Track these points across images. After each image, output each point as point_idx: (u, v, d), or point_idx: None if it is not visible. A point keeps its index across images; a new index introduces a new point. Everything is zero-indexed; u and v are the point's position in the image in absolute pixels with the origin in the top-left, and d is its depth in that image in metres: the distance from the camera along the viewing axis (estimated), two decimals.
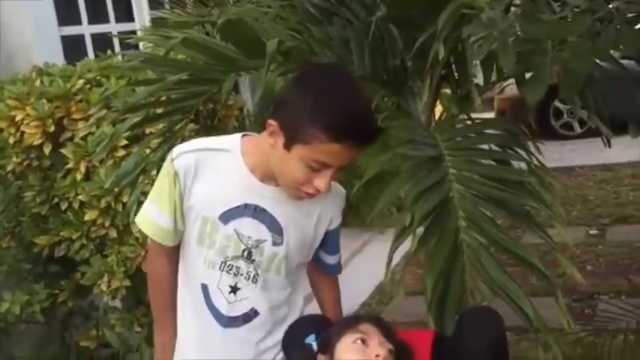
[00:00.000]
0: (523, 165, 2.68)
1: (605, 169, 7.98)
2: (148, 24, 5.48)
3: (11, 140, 3.61)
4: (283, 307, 1.95)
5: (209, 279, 1.87)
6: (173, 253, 1.95)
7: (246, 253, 1.85)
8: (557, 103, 9.40)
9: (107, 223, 3.60)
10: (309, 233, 1.92)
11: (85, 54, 4.93)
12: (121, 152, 3.46)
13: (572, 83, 1.31)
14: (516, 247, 2.55)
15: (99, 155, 3.19)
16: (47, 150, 3.58)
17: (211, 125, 3.97)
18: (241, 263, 1.85)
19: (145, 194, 3.08)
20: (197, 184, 1.84)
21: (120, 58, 3.90)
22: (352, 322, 1.84)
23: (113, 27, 5.33)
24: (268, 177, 1.84)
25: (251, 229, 1.84)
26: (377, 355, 1.73)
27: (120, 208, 3.55)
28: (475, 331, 1.90)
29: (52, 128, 3.55)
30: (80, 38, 5.03)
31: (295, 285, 1.98)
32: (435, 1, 2.50)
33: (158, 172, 2.95)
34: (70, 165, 3.57)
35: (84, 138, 3.58)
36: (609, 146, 3.35)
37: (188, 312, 1.96)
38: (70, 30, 4.91)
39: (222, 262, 1.85)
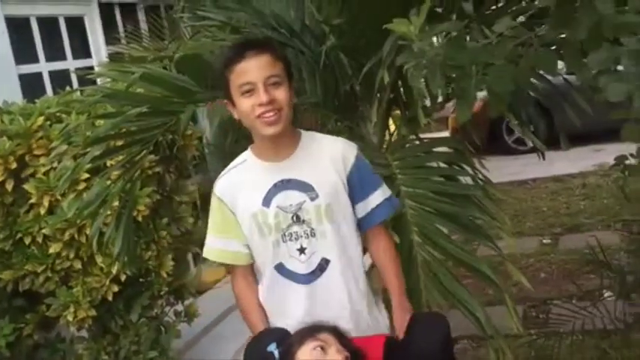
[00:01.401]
0: (469, 180, 2.85)
1: (556, 180, 8.24)
2: (105, 59, 5.55)
3: None
4: (347, 255, 2.19)
5: (280, 257, 2.19)
6: (250, 272, 2.29)
7: (294, 217, 2.16)
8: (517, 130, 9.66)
9: (71, 255, 3.66)
10: (333, 176, 2.17)
11: (44, 91, 4.98)
12: (82, 185, 3.53)
13: (496, 103, 1.47)
14: (468, 258, 2.73)
15: (61, 188, 3.28)
16: (9, 186, 3.62)
17: (170, 155, 4.07)
18: (296, 228, 2.16)
19: (107, 225, 3.20)
20: (236, 197, 2.20)
21: (79, 93, 3.96)
22: (312, 331, 1.98)
23: (70, 63, 5.39)
24: (276, 155, 2.16)
25: (289, 198, 2.15)
26: None
27: (83, 239, 3.61)
28: (423, 333, 2.06)
29: (14, 165, 3.59)
30: (38, 76, 5.08)
31: (351, 236, 2.21)
32: (380, 30, 2.67)
33: (119, 203, 3.08)
34: (33, 200, 3.61)
35: (46, 173, 3.64)
36: (544, 159, 3.57)
37: (270, 297, 2.23)
38: (28, 68, 4.96)
39: (282, 236, 2.16)
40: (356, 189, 2.21)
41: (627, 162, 2.70)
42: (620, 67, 1.21)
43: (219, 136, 6.54)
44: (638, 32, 1.21)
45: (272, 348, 2.02)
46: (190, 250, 4.56)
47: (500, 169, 8.39)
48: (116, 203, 3.16)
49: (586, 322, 3.93)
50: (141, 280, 4.01)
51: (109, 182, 3.07)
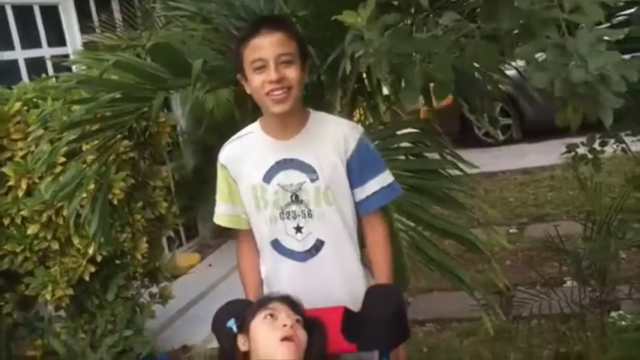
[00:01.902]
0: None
1: (525, 172, 8.39)
2: (80, 48, 5.63)
3: None
4: (343, 237, 2.26)
5: (276, 233, 2.26)
6: (250, 239, 2.35)
7: (294, 197, 2.22)
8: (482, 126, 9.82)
9: (49, 236, 3.78)
10: (333, 158, 2.21)
11: (20, 78, 5.05)
12: (59, 168, 3.64)
13: (440, 90, 1.61)
14: (447, 225, 2.91)
15: (39, 171, 3.39)
16: None
17: (144, 142, 4.18)
18: (294, 207, 2.22)
19: (83, 207, 3.32)
20: (239, 166, 2.27)
21: (54, 80, 4.06)
22: (263, 302, 2.12)
23: (46, 51, 5.45)
24: (282, 133, 2.22)
25: (289, 178, 2.21)
26: (284, 325, 2.00)
27: (61, 221, 3.73)
28: (375, 304, 2.18)
29: None
30: (14, 63, 5.15)
31: (348, 219, 2.27)
32: (343, 22, 2.81)
33: (95, 186, 3.20)
34: (12, 182, 3.73)
35: (23, 157, 3.75)
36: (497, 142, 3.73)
37: (267, 271, 2.33)
38: (5, 55, 5.04)
39: (280, 213, 2.23)
40: (354, 173, 2.24)
41: (578, 150, 2.86)
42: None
43: (193, 125, 6.64)
44: (562, 26, 1.36)
45: (230, 324, 2.14)
46: (164, 234, 4.68)
47: (471, 161, 8.56)
48: (92, 186, 3.28)
49: (546, 307, 4.12)
50: (116, 261, 4.15)
51: (84, 166, 3.19)
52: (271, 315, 2.04)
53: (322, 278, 2.27)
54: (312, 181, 2.20)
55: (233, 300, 2.29)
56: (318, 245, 2.25)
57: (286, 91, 2.10)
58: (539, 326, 4.25)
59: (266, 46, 2.08)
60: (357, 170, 2.23)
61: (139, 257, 4.14)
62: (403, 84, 1.59)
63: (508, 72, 3.47)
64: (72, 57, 5.35)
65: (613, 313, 3.91)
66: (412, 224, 3.01)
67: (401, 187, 2.45)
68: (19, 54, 5.20)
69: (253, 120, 2.35)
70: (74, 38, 5.71)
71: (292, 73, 2.11)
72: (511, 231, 6.43)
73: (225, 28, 3.35)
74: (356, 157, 2.22)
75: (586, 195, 4.47)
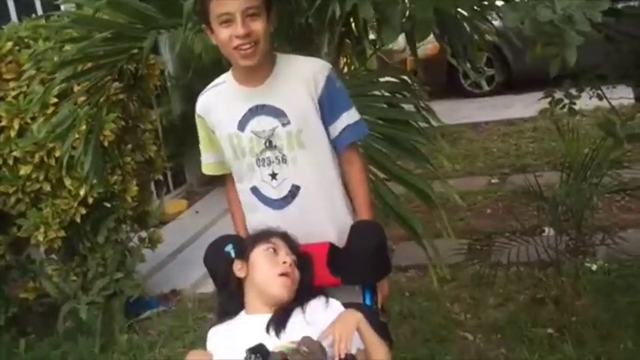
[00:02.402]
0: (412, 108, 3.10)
1: (509, 123, 8.43)
2: None
3: None
4: (322, 180, 2.29)
5: (254, 180, 2.28)
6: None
7: (267, 143, 2.23)
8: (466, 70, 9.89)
9: (41, 178, 3.86)
10: (304, 99, 2.22)
11: (9, 18, 5.07)
12: (51, 109, 3.71)
13: (421, 29, 1.69)
14: (407, 177, 2.99)
15: (32, 110, 3.44)
16: None
17: (134, 84, 4.24)
18: (268, 153, 2.24)
19: (75, 148, 3.39)
20: (214, 115, 2.29)
21: (44, 20, 4.09)
22: (265, 235, 2.21)
23: None
24: (251, 80, 2.23)
25: (262, 124, 2.23)
26: (284, 262, 2.12)
27: (53, 162, 3.82)
28: (360, 239, 2.26)
29: None
30: (2, 3, 5.15)
31: (325, 159, 2.29)
32: None
33: (87, 127, 3.26)
34: (4, 123, 3.80)
35: (16, 97, 3.81)
36: (480, 88, 3.83)
37: (250, 219, 2.37)
38: None
39: (256, 160, 2.25)
40: (326, 110, 2.25)
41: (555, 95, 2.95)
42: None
43: (181, 70, 6.67)
44: None
45: (229, 249, 2.25)
46: (153, 178, 4.77)
47: (456, 112, 8.62)
48: (83, 127, 3.34)
49: (524, 254, 4.26)
50: (107, 204, 4.21)
51: (76, 106, 3.25)
52: (273, 249, 2.15)
53: (302, 224, 2.28)
54: (284, 125, 2.22)
55: (227, 234, 2.38)
56: (294, 191, 2.27)
57: (254, 46, 2.12)
58: (518, 273, 4.37)
59: (231, 3, 2.07)
60: (327, 107, 2.25)
61: (129, 200, 4.22)
62: (383, 25, 1.66)
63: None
64: None
65: (588, 261, 4.03)
66: (377, 172, 3.06)
67: (373, 135, 2.50)
68: None
69: None
70: None
71: (258, 25, 2.11)
72: (493, 181, 6.54)
73: None
74: (326, 94, 2.24)
75: (564, 142, 4.57)
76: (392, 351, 2.13)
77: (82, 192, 3.91)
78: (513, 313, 3.87)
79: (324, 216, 2.31)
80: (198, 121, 2.35)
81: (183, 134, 6.63)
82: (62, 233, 3.96)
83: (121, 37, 3.01)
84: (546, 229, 4.59)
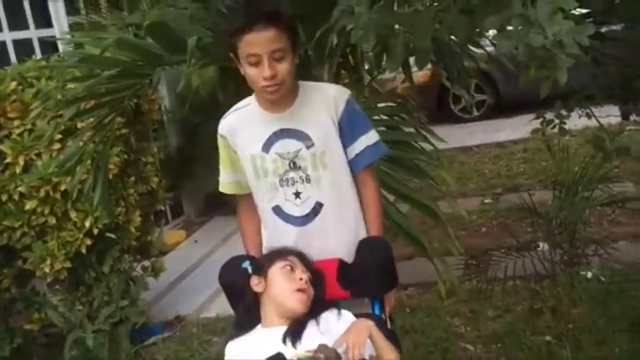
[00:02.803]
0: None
1: (499, 146, 8.66)
2: (66, 29, 5.77)
3: None
4: (341, 198, 2.41)
5: (276, 199, 2.40)
6: (250, 201, 2.50)
7: (292, 164, 2.36)
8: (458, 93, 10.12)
9: (46, 211, 3.95)
10: (326, 122, 2.35)
11: (8, 59, 5.19)
12: (57, 145, 3.83)
13: (420, 57, 1.82)
14: (416, 195, 3.12)
15: (41, 146, 3.55)
16: None
17: (135, 119, 4.36)
18: (292, 174, 2.36)
19: (82, 182, 3.50)
20: (238, 136, 2.41)
21: (51, 59, 4.22)
22: (282, 253, 2.34)
23: (33, 33, 5.60)
24: (276, 107, 2.35)
25: (286, 146, 2.35)
26: (301, 279, 2.25)
27: (58, 196, 3.91)
28: (367, 254, 2.39)
29: None
30: (2, 44, 5.28)
31: (344, 179, 2.42)
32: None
33: (92, 162, 3.37)
34: (9, 160, 3.90)
35: (20, 134, 3.92)
36: (470, 113, 3.99)
37: (271, 236, 2.47)
38: None
39: (280, 180, 2.37)
40: (345, 132, 2.37)
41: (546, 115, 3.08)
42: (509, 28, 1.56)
43: (177, 104, 6.80)
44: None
45: (246, 265, 2.37)
46: (156, 209, 4.86)
47: (447, 137, 8.67)
48: (89, 162, 3.46)
49: (521, 268, 4.38)
50: (111, 235, 4.29)
51: (81, 143, 3.36)
52: (290, 267, 2.28)
53: (323, 239, 2.41)
54: (308, 147, 2.34)
55: (240, 254, 2.49)
56: (317, 208, 2.39)
57: (279, 87, 2.24)
58: (515, 286, 4.51)
59: (260, 42, 2.18)
60: (347, 129, 2.37)
61: (133, 230, 4.33)
62: (386, 55, 1.78)
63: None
64: (60, 36, 5.49)
65: (582, 270, 4.15)
66: (386, 193, 3.20)
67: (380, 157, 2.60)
68: (7, 35, 5.32)
69: (236, 101, 2.51)
70: (60, 19, 5.83)
71: (284, 67, 2.22)
72: (486, 201, 6.68)
73: (215, 6, 3.52)
74: (345, 117, 2.36)
75: (555, 161, 4.72)
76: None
77: (87, 224, 4.00)
78: (511, 323, 4.00)
79: (344, 231, 2.43)
80: (220, 141, 2.45)
81: (180, 167, 6.77)
82: (68, 264, 4.04)
83: (126, 74, 3.14)
84: (541, 244, 4.72)
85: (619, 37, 2.91)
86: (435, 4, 1.95)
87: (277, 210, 2.42)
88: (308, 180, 2.37)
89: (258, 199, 2.47)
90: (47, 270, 4.00)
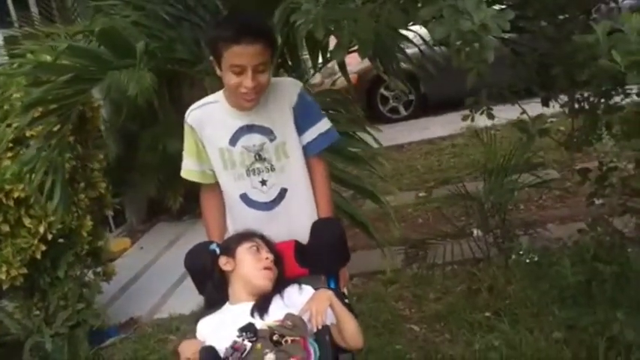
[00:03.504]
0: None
1: (429, 143, 8.99)
2: (0, 42, 5.83)
3: None
4: (303, 182, 2.62)
5: (243, 187, 2.61)
6: (215, 188, 2.69)
7: (257, 156, 2.57)
8: (383, 91, 10.49)
9: (0, 219, 4.02)
10: (285, 113, 2.56)
11: None
12: (8, 154, 3.92)
13: (363, 47, 2.05)
14: (354, 180, 3.36)
15: (1, 149, 3.68)
16: None
17: (80, 126, 4.47)
18: (258, 164, 2.58)
19: (40, 186, 3.60)
20: (206, 129, 2.60)
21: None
22: (248, 235, 2.54)
23: None
24: (241, 105, 2.52)
25: (251, 140, 2.56)
26: (267, 258, 2.46)
27: (11, 203, 3.99)
28: (321, 233, 2.59)
29: None
30: None
31: (304, 165, 2.62)
32: (267, 1, 3.21)
33: (48, 168, 3.48)
34: None
35: None
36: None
37: (237, 221, 2.66)
38: None
39: (246, 170, 2.58)
40: (299, 121, 2.57)
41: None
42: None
43: (113, 113, 6.87)
44: None
45: (213, 247, 2.56)
46: (104, 214, 4.97)
47: (379, 136, 9.12)
48: (44, 169, 3.57)
49: (458, 254, 4.69)
50: (64, 240, 4.38)
51: (37, 147, 3.49)
52: (256, 247, 2.48)
53: (288, 221, 2.62)
54: (271, 140, 2.56)
55: (204, 241, 2.67)
56: (282, 193, 2.61)
57: (257, 95, 2.45)
58: (453, 270, 4.80)
59: (246, 55, 2.35)
60: (300, 118, 2.59)
61: (85, 235, 4.43)
62: (332, 45, 1.99)
63: (409, 51, 3.98)
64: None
65: (514, 251, 4.46)
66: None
67: None
68: None
69: (174, 109, 2.70)
70: None
71: (264, 78, 2.42)
72: (420, 194, 6.97)
73: (155, 12, 3.70)
74: (299, 106, 2.58)
75: (484, 153, 5.04)
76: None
77: (41, 229, 4.10)
78: (452, 303, 4.26)
79: (306, 213, 2.64)
80: (188, 130, 2.62)
81: (120, 175, 6.84)
82: (24, 270, 4.12)
83: (78, 80, 3.27)
84: (475, 231, 5.03)
85: (534, 29, 3.19)
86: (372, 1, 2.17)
87: (244, 197, 2.62)
88: (273, 169, 2.59)
89: (225, 188, 2.66)
90: (3, 277, 4.06)
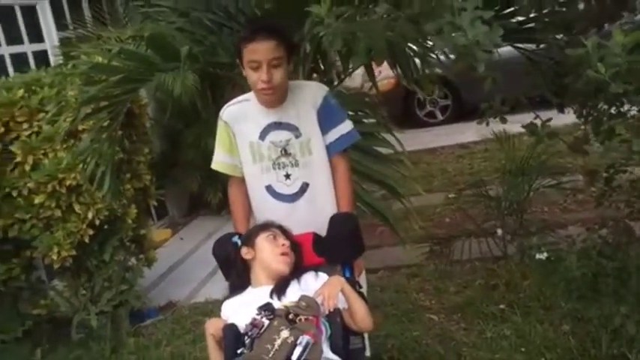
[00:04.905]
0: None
1: (462, 147, 9.19)
2: (56, 43, 6.23)
3: None
4: (324, 178, 2.88)
5: (269, 180, 2.88)
6: (242, 183, 2.96)
7: (283, 151, 2.83)
8: (419, 95, 10.71)
9: (53, 205, 4.39)
10: (311, 113, 2.82)
11: (6, 71, 5.62)
12: (63, 146, 4.29)
13: (378, 55, 2.34)
14: (378, 176, 3.63)
15: (58, 141, 4.10)
16: None
17: (128, 122, 4.82)
18: (283, 159, 2.84)
19: (91, 175, 3.94)
20: (239, 125, 2.89)
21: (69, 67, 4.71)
22: (266, 225, 2.82)
23: (28, 47, 6.05)
24: (271, 104, 2.80)
25: (279, 136, 2.82)
26: (283, 245, 2.74)
27: (64, 190, 4.35)
28: (338, 227, 2.84)
29: (1, 130, 4.32)
30: (0, 58, 5.73)
31: (326, 162, 2.88)
32: (301, 12, 3.49)
33: (97, 162, 3.82)
34: (19, 159, 4.34)
35: (29, 136, 4.37)
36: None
37: (263, 211, 2.93)
38: None
39: (272, 164, 2.85)
40: (323, 122, 2.82)
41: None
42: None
43: (158, 111, 7.24)
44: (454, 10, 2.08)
45: (235, 239, 2.85)
46: (148, 204, 5.32)
47: (413, 140, 9.31)
48: (94, 161, 3.93)
49: (479, 252, 4.95)
50: (109, 227, 4.75)
51: (90, 140, 3.85)
52: (273, 236, 2.75)
53: (308, 213, 2.87)
54: (297, 137, 2.83)
55: (229, 232, 2.95)
56: (304, 188, 2.87)
57: (273, 90, 2.72)
58: (474, 266, 5.04)
59: (261, 51, 2.62)
60: (324, 120, 2.84)
61: (129, 222, 4.79)
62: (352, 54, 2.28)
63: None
64: (53, 50, 5.94)
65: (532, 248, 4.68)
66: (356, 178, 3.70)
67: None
68: (5, 50, 5.76)
69: (215, 109, 3.00)
70: (51, 35, 6.28)
71: (279, 74, 2.67)
72: (450, 196, 7.19)
73: (199, 19, 4.03)
74: (324, 108, 2.84)
75: (506, 156, 5.29)
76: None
77: (90, 215, 4.45)
78: (470, 296, 4.50)
79: (325, 207, 2.89)
80: (222, 126, 2.91)
81: (164, 170, 7.20)
82: (73, 252, 4.48)
83: (128, 80, 3.61)
84: (498, 230, 5.26)
85: (548, 40, 3.43)
86: (387, 15, 2.46)
87: (269, 189, 2.90)
88: (297, 164, 2.85)
89: (253, 180, 2.93)
90: (55, 257, 4.43)
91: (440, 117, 10.90)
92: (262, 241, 2.76)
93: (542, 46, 3.64)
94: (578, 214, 5.93)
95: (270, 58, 2.65)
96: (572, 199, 6.26)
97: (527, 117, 3.60)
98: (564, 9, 3.18)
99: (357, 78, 7.95)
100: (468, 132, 9.82)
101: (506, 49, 3.88)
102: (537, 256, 4.37)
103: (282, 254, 2.72)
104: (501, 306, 4.25)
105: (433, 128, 10.59)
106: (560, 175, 5.32)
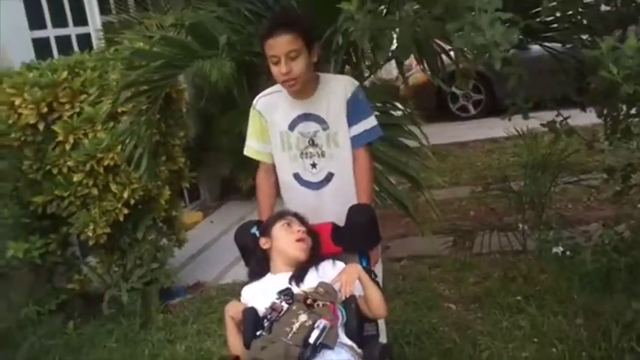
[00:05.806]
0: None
1: (493, 141, 9.23)
2: (99, 27, 6.45)
3: (10, 121, 4.57)
4: (348, 169, 2.99)
5: (296, 168, 3.01)
6: (271, 170, 3.09)
7: (311, 142, 2.96)
8: (453, 89, 10.79)
9: (90, 183, 4.60)
10: (339, 108, 2.92)
11: (51, 53, 5.84)
12: (103, 127, 4.50)
13: (404, 51, 2.48)
14: (401, 166, 3.76)
15: (100, 121, 4.35)
16: (41, 127, 4.56)
17: (165, 106, 5.00)
18: (311, 149, 2.97)
19: (129, 156, 4.12)
20: (271, 114, 3.02)
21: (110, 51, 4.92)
22: (281, 214, 2.93)
23: (72, 30, 6.26)
24: (300, 95, 2.92)
25: (307, 127, 2.95)
26: (298, 231, 2.84)
27: (101, 170, 4.56)
28: (355, 217, 2.93)
29: (45, 110, 4.53)
30: (46, 40, 5.95)
31: (350, 154, 2.98)
32: (335, 7, 3.63)
33: (135, 144, 3.98)
34: (60, 138, 4.55)
35: (70, 117, 4.57)
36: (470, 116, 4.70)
37: (291, 197, 3.06)
38: (39, 33, 5.83)
39: (300, 153, 2.98)
40: (350, 116, 2.91)
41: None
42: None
43: (195, 97, 7.42)
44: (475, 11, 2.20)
45: (254, 230, 2.95)
46: (181, 186, 5.51)
47: (444, 133, 9.46)
48: (130, 141, 4.12)
49: (501, 245, 5.07)
50: (143, 207, 4.94)
51: (130, 123, 4.03)
52: (288, 224, 2.86)
53: (332, 202, 3.00)
54: (324, 129, 2.95)
55: (249, 220, 3.07)
56: (329, 177, 3.00)
57: (294, 81, 2.82)
58: (494, 259, 5.16)
59: (277, 45, 2.73)
60: (350, 113, 2.94)
61: (163, 203, 4.98)
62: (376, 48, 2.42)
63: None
64: (93, 32, 6.16)
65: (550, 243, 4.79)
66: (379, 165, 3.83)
67: None
68: (50, 32, 5.99)
69: (251, 97, 3.12)
70: (94, 18, 6.50)
71: (298, 65, 2.76)
72: (476, 189, 7.28)
73: (238, 9, 4.18)
74: (352, 102, 2.93)
75: (528, 152, 5.39)
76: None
77: (125, 195, 4.65)
78: (489, 287, 4.61)
79: (348, 197, 2.99)
80: (255, 115, 3.04)
81: (197, 154, 7.39)
82: (108, 230, 4.68)
83: (168, 65, 3.78)
84: (521, 225, 5.38)
85: (573, 40, 3.54)
86: (413, 13, 2.59)
87: (297, 176, 3.04)
88: (323, 155, 2.98)
89: (281, 167, 3.07)
90: (90, 234, 4.64)
91: (472, 111, 10.98)
92: (278, 230, 2.86)
93: (568, 45, 3.74)
94: (600, 211, 5.99)
95: (287, 51, 2.74)
96: (595, 197, 6.33)
97: (553, 115, 3.73)
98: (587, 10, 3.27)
99: (392, 70, 8.06)
100: (499, 127, 9.82)
101: (535, 48, 4.02)
102: (553, 249, 4.47)
103: (298, 240, 2.80)
104: (518, 297, 4.36)
105: (465, 122, 10.68)
106: (581, 172, 5.41)
